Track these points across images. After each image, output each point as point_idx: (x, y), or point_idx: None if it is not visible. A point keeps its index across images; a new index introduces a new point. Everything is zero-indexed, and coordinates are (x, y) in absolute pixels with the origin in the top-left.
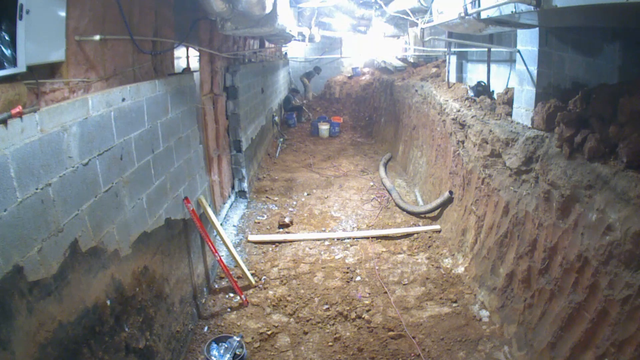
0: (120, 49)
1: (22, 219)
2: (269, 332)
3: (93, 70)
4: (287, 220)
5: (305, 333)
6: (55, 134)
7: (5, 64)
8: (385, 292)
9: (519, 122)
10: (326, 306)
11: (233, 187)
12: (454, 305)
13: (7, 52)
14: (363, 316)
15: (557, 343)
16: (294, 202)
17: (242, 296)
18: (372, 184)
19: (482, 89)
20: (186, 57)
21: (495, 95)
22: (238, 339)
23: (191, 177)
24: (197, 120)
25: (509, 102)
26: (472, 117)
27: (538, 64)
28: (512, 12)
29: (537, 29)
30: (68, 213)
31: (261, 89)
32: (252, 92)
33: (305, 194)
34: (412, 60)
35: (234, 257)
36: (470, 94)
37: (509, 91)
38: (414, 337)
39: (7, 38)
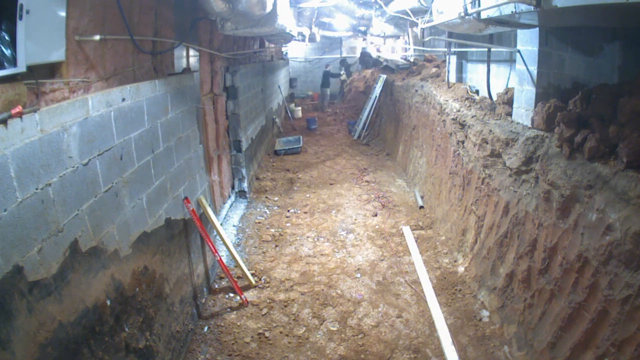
0: (120, 49)
1: (22, 219)
2: (269, 332)
3: (93, 70)
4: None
5: (306, 333)
6: (55, 134)
7: (5, 64)
8: (386, 292)
9: (519, 122)
10: (327, 306)
11: (233, 187)
12: (454, 305)
13: (7, 52)
14: (364, 315)
15: (557, 343)
16: (294, 202)
17: (242, 296)
18: (373, 184)
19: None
20: (186, 57)
21: (495, 95)
22: None
23: (191, 177)
24: (197, 120)
25: (509, 102)
26: (472, 117)
27: (538, 64)
28: (512, 12)
29: (537, 29)
30: (68, 213)
31: (261, 89)
32: (252, 92)
33: (306, 194)
34: (412, 60)
35: (234, 257)
36: (470, 93)
37: (509, 91)
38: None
39: (7, 38)
